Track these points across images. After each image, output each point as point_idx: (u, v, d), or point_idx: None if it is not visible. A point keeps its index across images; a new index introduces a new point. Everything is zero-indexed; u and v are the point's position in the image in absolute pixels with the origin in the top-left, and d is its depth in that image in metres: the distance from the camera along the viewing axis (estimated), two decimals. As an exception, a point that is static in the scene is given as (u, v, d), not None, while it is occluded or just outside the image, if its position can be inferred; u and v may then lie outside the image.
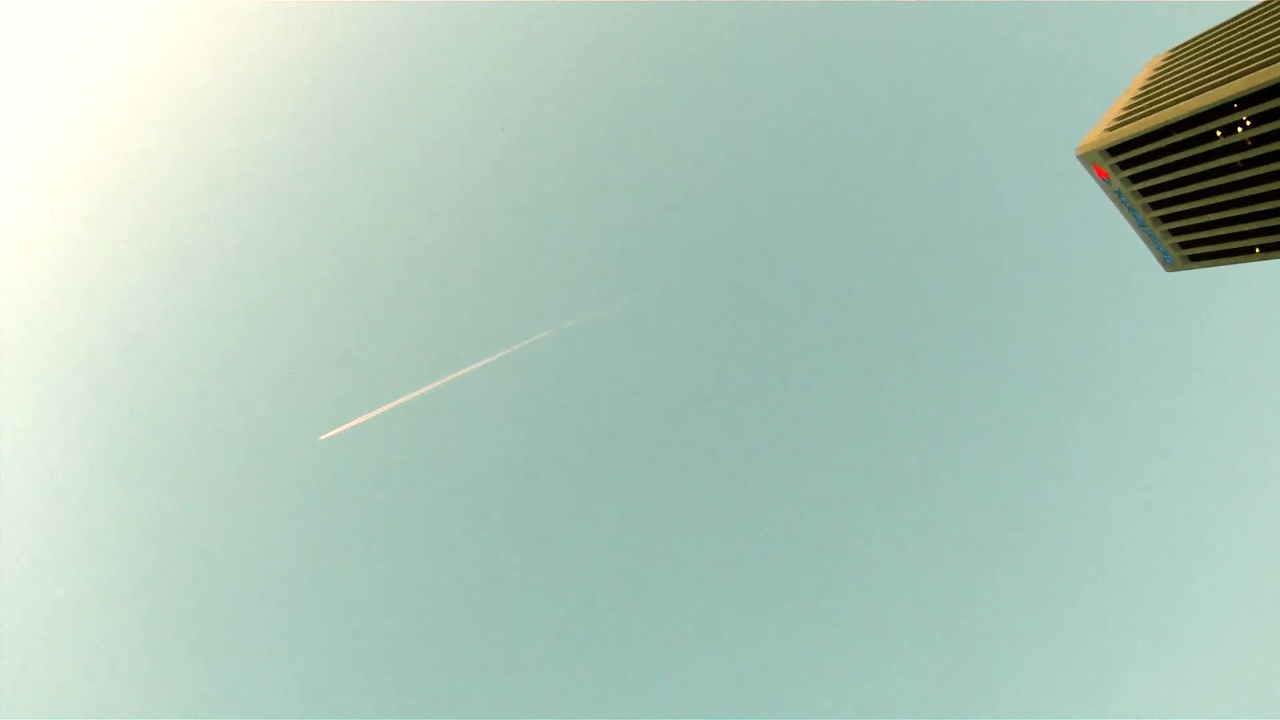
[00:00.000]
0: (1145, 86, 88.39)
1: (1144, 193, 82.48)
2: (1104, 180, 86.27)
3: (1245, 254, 79.04)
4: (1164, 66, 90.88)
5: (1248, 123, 67.11)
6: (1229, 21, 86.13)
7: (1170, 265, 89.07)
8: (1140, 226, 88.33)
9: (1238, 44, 75.76)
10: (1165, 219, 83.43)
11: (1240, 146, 69.56)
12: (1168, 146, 76.08)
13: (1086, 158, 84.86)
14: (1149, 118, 76.21)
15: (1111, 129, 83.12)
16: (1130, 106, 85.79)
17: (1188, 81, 76.71)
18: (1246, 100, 65.43)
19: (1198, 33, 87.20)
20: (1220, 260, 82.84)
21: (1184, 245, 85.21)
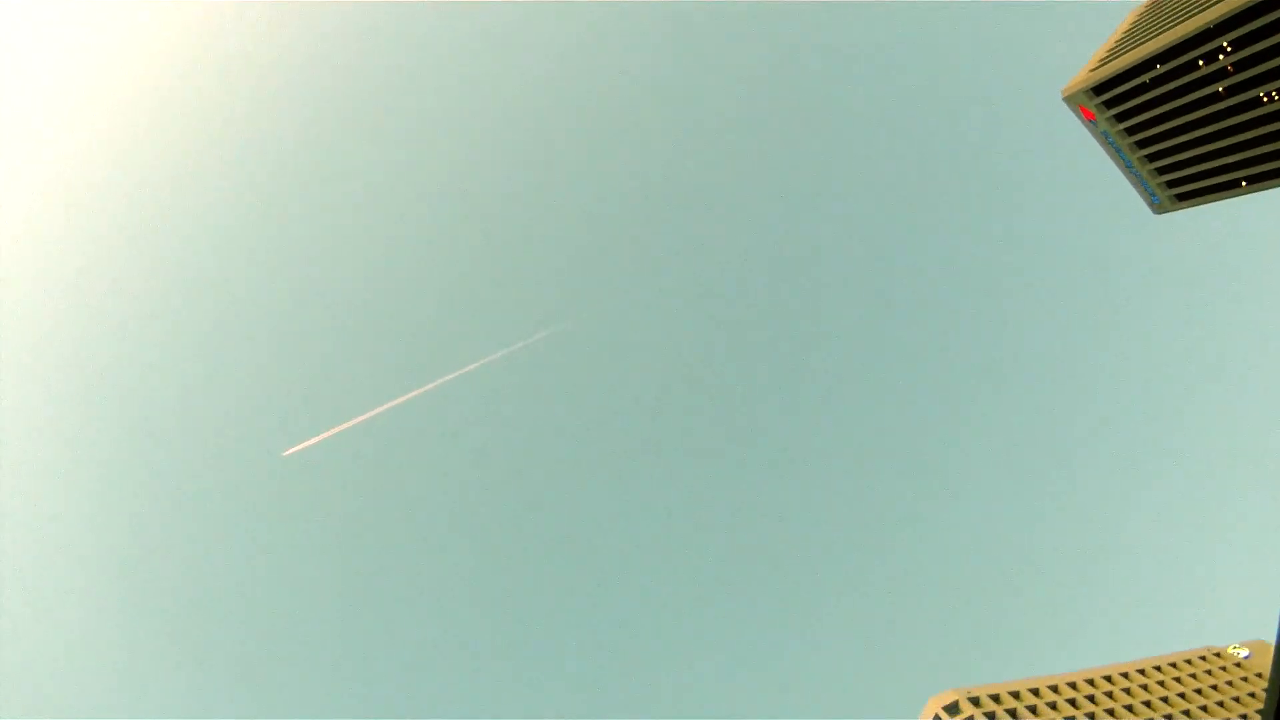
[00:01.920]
0: (1129, 29, 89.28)
1: (1129, 131, 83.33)
2: (1090, 122, 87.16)
3: (1232, 188, 79.77)
4: (1147, 10, 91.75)
5: (1228, 48, 67.98)
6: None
7: (1158, 206, 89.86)
8: (1128, 168, 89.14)
9: (1216, -25, 76.56)
10: (1152, 157, 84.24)
11: (1222, 74, 70.42)
12: (1150, 81, 76.96)
13: (1073, 99, 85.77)
14: (1131, 53, 77.13)
15: (1095, 69, 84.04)
16: (1113, 49, 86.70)
17: (1169, 17, 77.60)
18: (1223, 25, 66.32)
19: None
20: (1207, 197, 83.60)
21: (1171, 185, 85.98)
